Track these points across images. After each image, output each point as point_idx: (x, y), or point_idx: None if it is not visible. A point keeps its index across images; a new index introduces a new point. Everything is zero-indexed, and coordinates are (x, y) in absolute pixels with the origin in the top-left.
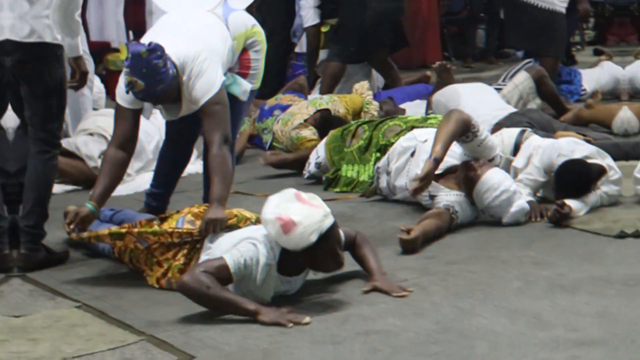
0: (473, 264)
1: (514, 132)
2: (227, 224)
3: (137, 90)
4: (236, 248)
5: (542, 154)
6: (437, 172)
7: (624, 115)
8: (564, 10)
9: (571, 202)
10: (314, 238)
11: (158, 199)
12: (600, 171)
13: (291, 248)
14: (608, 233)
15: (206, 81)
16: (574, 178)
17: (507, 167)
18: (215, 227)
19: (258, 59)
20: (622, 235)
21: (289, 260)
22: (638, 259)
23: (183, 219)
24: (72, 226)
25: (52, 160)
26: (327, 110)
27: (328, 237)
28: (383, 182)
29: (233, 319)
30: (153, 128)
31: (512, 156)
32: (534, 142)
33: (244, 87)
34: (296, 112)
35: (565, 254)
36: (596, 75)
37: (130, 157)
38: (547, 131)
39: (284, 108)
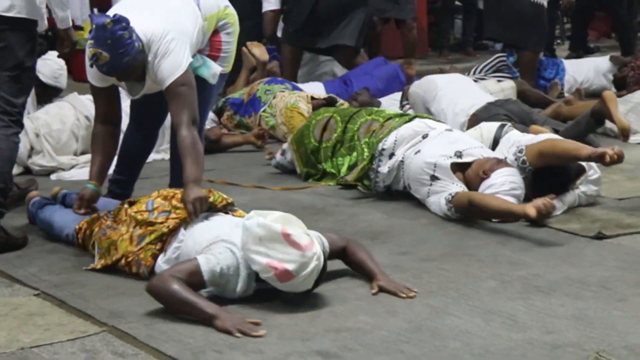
0: (447, 262)
1: (493, 126)
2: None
3: (101, 63)
4: (212, 253)
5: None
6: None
7: None
8: (545, 3)
9: None
10: (310, 285)
11: (122, 186)
12: (579, 170)
13: (285, 290)
14: (586, 234)
15: (172, 61)
16: (552, 176)
17: None
18: (201, 206)
19: (229, 42)
20: (600, 237)
21: None
22: (615, 261)
23: (152, 202)
24: (82, 210)
25: (14, 137)
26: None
27: (321, 277)
28: (384, 168)
29: None
30: None
31: (492, 151)
32: (514, 137)
33: (213, 70)
34: (308, 91)
35: (541, 254)
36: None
37: (118, 128)
38: (526, 124)
39: (295, 87)
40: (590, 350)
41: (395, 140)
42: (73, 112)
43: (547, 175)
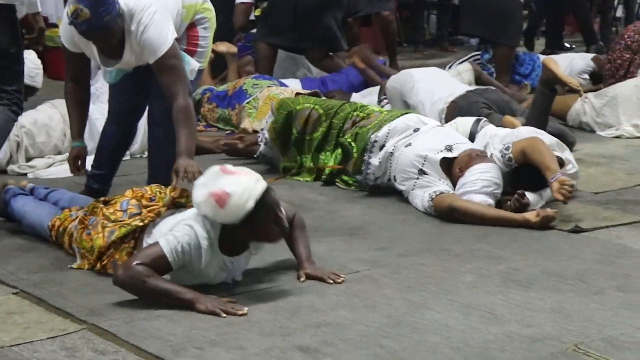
0: (425, 256)
1: (469, 121)
2: (184, 195)
3: (81, 20)
4: (172, 233)
5: (502, 141)
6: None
7: (580, 107)
8: None
9: (527, 195)
10: (251, 204)
11: (100, 181)
12: (559, 164)
13: (230, 221)
14: (563, 227)
15: (158, 33)
16: (531, 171)
17: None
18: (188, 174)
19: (206, 37)
20: (577, 230)
21: (229, 238)
22: (592, 255)
23: (127, 202)
24: (81, 171)
25: (9, 112)
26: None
27: (265, 200)
28: (375, 160)
29: (180, 309)
30: None
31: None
32: (490, 131)
33: (192, 66)
34: (293, 89)
35: (519, 249)
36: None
37: (89, 86)
38: (504, 113)
39: (282, 84)
40: (568, 343)
41: (388, 133)
42: (62, 126)
43: (526, 170)
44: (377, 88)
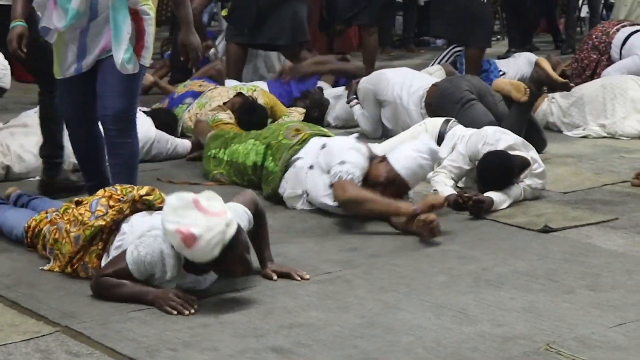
0: (397, 257)
1: (438, 121)
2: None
3: None
4: (138, 246)
5: (467, 141)
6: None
7: (547, 107)
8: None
9: (493, 195)
10: (217, 252)
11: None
12: (524, 164)
13: (195, 260)
14: (532, 227)
15: None
16: (496, 170)
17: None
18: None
19: (151, 34)
20: (546, 230)
21: (195, 264)
22: (562, 254)
23: (97, 202)
24: (23, 49)
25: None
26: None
27: (232, 247)
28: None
29: (153, 311)
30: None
31: (437, 145)
32: (458, 132)
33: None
34: (215, 95)
35: (489, 248)
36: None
37: None
38: (482, 99)
39: (195, 95)
40: (540, 343)
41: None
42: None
43: (492, 169)
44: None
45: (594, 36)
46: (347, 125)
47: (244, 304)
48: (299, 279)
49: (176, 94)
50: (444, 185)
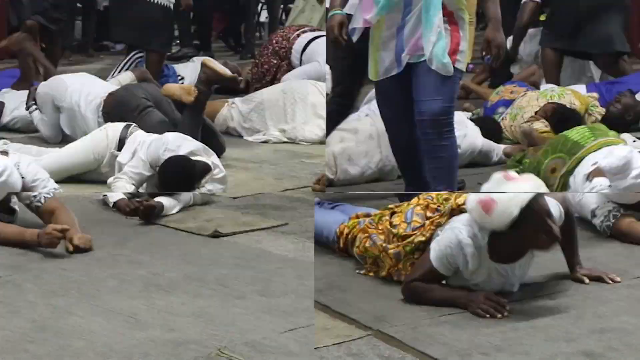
0: (67, 261)
1: (119, 126)
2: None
3: None
4: (438, 243)
5: (148, 147)
6: None
7: (227, 112)
8: (172, 5)
9: (162, 199)
10: (515, 212)
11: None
12: (205, 169)
13: (497, 227)
14: (202, 232)
15: None
16: (177, 174)
17: (112, 161)
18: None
19: (465, 39)
20: (216, 235)
21: (499, 245)
22: (232, 259)
23: (412, 212)
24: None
25: None
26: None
27: (532, 208)
28: None
29: (464, 314)
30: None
31: (117, 151)
32: (139, 137)
33: None
34: (524, 105)
35: (160, 253)
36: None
37: None
38: (162, 107)
39: (507, 104)
40: (212, 347)
41: None
42: None
43: (174, 174)
44: None
45: (274, 41)
46: None
47: (554, 308)
48: (610, 282)
49: (489, 102)
50: (123, 191)
